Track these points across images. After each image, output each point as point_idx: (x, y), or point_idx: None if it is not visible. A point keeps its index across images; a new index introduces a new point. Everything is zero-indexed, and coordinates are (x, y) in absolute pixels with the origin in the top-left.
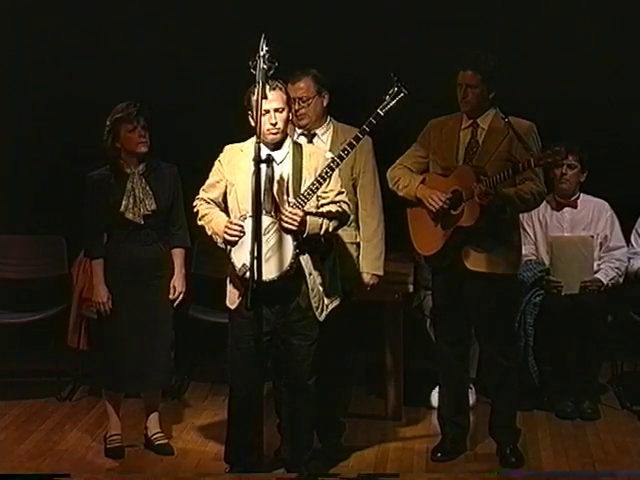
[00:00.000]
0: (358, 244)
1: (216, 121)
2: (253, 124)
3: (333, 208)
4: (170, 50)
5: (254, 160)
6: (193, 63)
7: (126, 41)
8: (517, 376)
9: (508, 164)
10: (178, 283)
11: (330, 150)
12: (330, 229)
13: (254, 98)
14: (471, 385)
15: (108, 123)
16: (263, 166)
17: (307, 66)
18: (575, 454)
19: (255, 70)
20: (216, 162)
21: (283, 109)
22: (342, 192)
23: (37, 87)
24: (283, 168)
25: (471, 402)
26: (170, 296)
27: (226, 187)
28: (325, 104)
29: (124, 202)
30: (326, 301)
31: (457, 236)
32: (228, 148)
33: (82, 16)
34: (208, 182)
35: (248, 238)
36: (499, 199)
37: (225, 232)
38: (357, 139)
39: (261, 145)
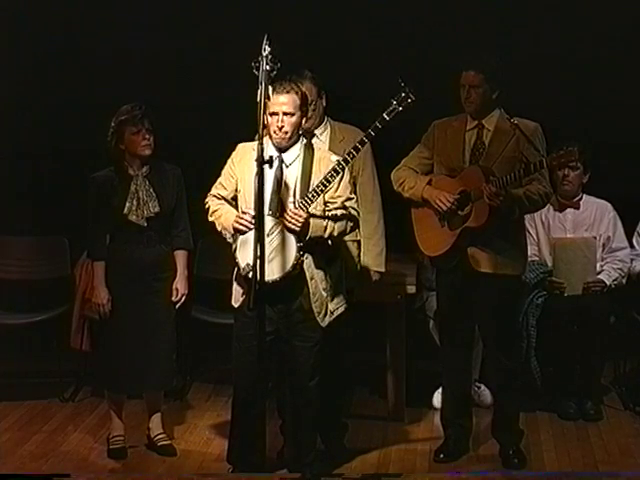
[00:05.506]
0: (359, 242)
1: (220, 122)
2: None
3: (339, 212)
4: (173, 51)
5: (257, 161)
6: (197, 64)
7: (129, 42)
8: (520, 377)
9: (515, 165)
10: (180, 285)
11: (329, 149)
12: (335, 233)
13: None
14: (483, 386)
15: (112, 125)
16: (270, 167)
17: (303, 68)
18: (578, 455)
19: (258, 71)
20: (229, 160)
21: (293, 114)
22: (351, 198)
23: (39, 87)
24: (292, 170)
25: (487, 402)
26: (173, 298)
27: (237, 185)
28: (324, 104)
29: (127, 204)
30: (330, 307)
31: (464, 237)
32: (241, 146)
33: (83, 16)
34: (220, 179)
35: (253, 238)
36: (509, 200)
37: (235, 221)
38: (362, 143)
39: (270, 145)
